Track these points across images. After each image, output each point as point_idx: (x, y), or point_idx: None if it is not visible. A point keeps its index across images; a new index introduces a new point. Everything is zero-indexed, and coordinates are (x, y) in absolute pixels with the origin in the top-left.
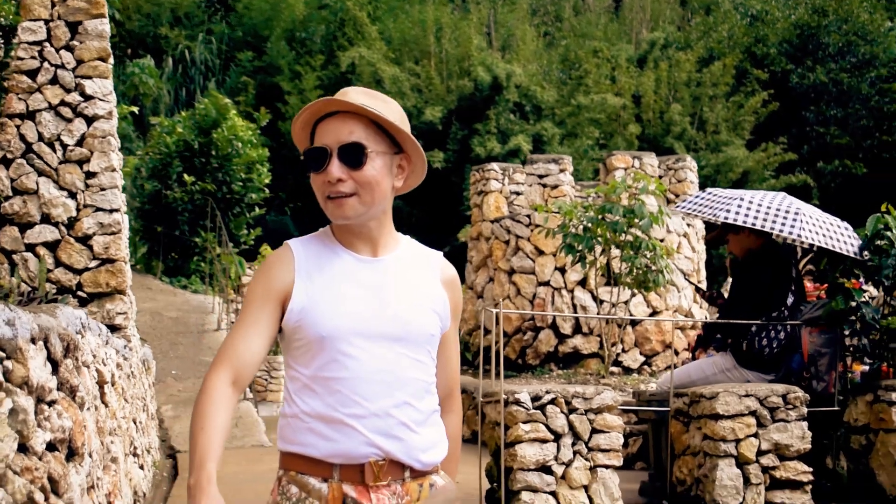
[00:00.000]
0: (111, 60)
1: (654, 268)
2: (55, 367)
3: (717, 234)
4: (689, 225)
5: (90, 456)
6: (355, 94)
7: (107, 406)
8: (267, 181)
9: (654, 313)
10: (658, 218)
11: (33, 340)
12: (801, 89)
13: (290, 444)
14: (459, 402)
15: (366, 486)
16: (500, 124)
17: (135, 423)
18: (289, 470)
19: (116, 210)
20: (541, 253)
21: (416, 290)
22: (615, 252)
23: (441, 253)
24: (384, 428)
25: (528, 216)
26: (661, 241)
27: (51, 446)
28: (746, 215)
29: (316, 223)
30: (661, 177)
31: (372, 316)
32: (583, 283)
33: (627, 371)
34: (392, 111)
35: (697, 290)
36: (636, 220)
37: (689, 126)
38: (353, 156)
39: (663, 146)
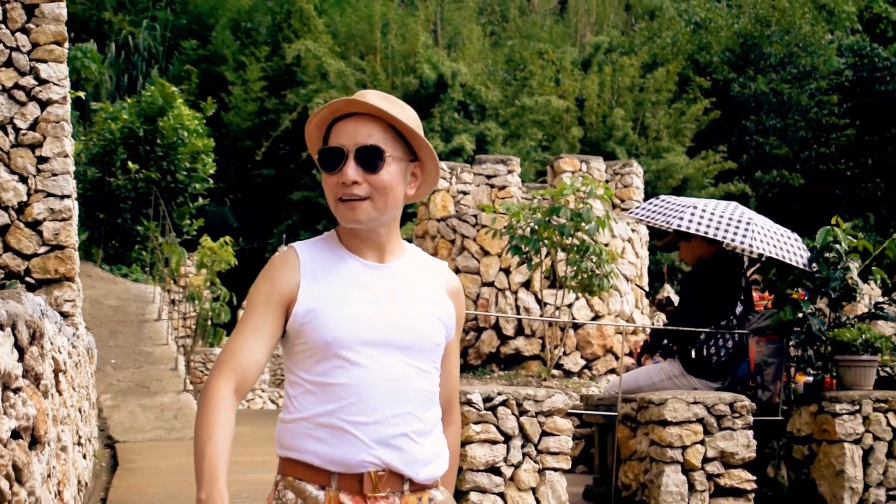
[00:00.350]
0: (67, 45)
1: (598, 272)
2: (21, 354)
3: (669, 241)
4: (633, 230)
5: (48, 444)
6: (373, 98)
7: (61, 394)
8: (212, 171)
9: (597, 317)
10: (604, 222)
11: (1, 327)
12: (742, 98)
13: (288, 450)
14: (459, 414)
15: (363, 497)
16: (444, 122)
17: (80, 412)
18: (286, 475)
19: (68, 196)
20: (486, 253)
21: (422, 298)
22: (561, 255)
23: (446, 263)
24: (386, 437)
25: (475, 216)
26: (606, 245)
27: (15, 434)
28: (699, 223)
29: (254, 215)
30: (607, 181)
31: (379, 322)
32: (527, 284)
33: (568, 374)
34: (409, 118)
35: (647, 295)
36: (583, 224)
37: (632, 131)
38: (371, 159)
39: (605, 150)
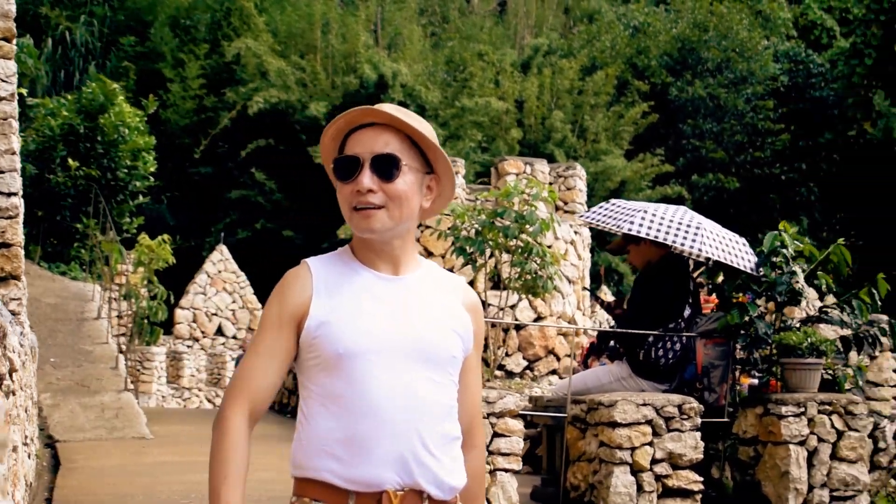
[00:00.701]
0: (15, 41)
1: (542, 274)
2: None
3: (618, 244)
4: (576, 232)
5: (8, 445)
6: (390, 109)
7: (14, 394)
8: (152, 169)
9: (539, 318)
10: (548, 225)
11: None
12: (680, 102)
13: (304, 470)
14: (483, 437)
15: None
16: None
17: (25, 411)
18: (302, 496)
19: (14, 194)
20: (430, 254)
21: (438, 310)
22: (505, 257)
23: (464, 278)
24: (403, 452)
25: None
26: (549, 247)
27: None
28: (649, 228)
29: (192, 213)
30: (551, 183)
31: (392, 334)
32: (470, 285)
33: (510, 375)
34: (426, 129)
35: (596, 298)
36: (527, 226)
37: (570, 133)
38: (387, 167)
39: (544, 152)
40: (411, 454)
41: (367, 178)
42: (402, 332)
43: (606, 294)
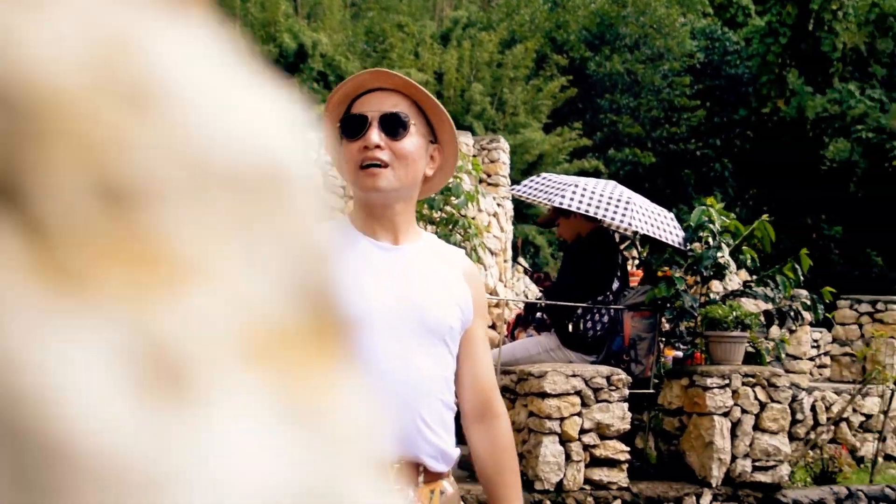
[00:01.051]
0: None
1: (466, 245)
2: None
3: (548, 217)
4: (499, 205)
5: None
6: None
7: None
8: None
9: None
10: (473, 197)
11: None
12: (598, 77)
13: None
14: (503, 405)
15: None
16: (303, 93)
17: None
18: None
19: None
20: None
21: (436, 281)
22: (430, 228)
23: (462, 251)
24: (402, 425)
25: (343, 188)
26: (473, 219)
27: None
28: (580, 201)
29: None
30: (475, 156)
31: (390, 304)
32: None
33: None
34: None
35: (525, 271)
36: (452, 198)
37: (490, 106)
38: (394, 125)
39: (463, 124)
40: (411, 427)
41: (374, 134)
42: (400, 303)
43: (524, 265)
